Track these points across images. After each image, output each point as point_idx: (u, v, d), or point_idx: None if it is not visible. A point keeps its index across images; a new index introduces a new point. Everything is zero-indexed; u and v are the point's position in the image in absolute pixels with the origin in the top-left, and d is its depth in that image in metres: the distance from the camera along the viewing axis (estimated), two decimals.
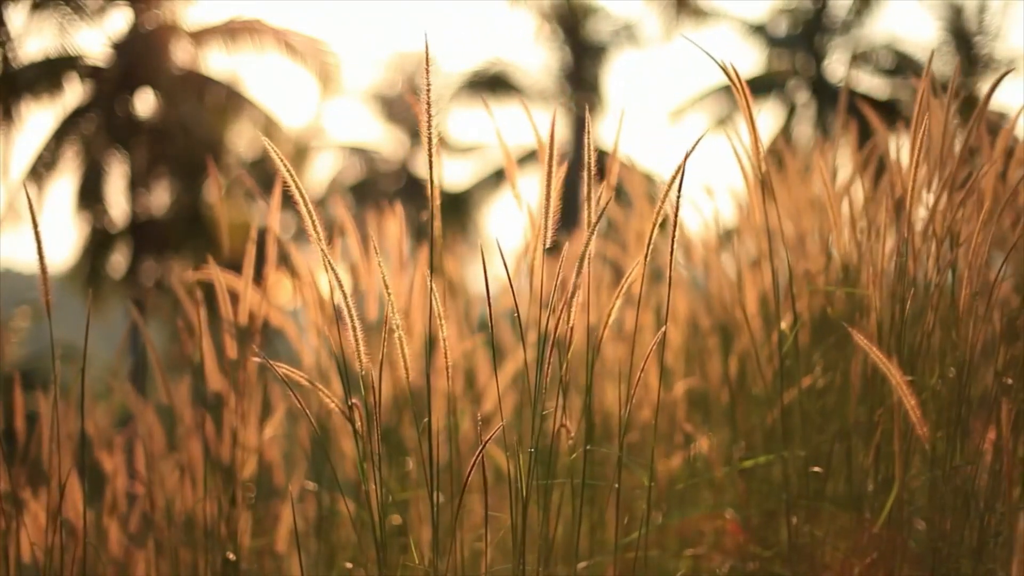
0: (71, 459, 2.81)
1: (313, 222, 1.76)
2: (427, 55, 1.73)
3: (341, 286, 1.71)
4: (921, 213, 2.31)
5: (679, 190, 1.79)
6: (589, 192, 1.81)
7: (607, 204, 1.79)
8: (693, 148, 1.78)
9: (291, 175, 1.75)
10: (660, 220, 1.82)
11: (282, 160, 1.75)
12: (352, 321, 1.71)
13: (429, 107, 1.74)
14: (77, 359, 2.17)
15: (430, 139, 1.75)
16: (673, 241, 1.80)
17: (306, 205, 1.75)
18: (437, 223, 2.23)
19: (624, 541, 2.50)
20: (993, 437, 2.22)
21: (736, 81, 2.00)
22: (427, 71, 1.73)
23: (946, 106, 2.26)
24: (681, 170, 1.78)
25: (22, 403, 2.73)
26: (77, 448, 2.85)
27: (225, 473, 2.69)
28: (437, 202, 2.14)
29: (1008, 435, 2.12)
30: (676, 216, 1.79)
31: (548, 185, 1.79)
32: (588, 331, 1.95)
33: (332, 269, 1.73)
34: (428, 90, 1.74)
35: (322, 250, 1.75)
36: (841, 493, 2.44)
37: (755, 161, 2.10)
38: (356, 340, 1.71)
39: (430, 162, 1.78)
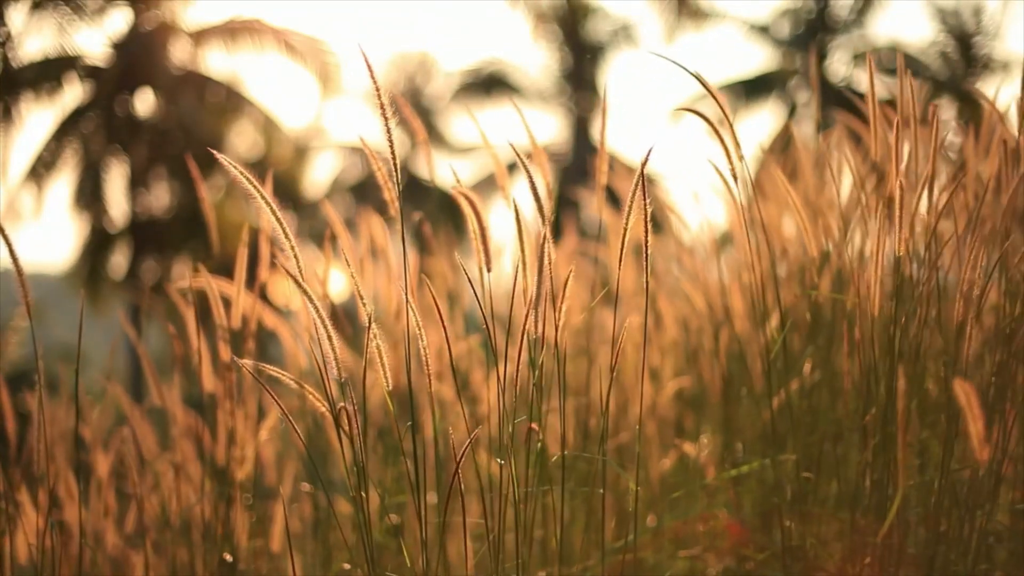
0: (65, 460, 2.82)
1: (284, 231, 1.75)
2: (374, 80, 1.73)
3: (311, 300, 1.70)
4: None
5: (644, 192, 1.79)
6: (542, 214, 1.81)
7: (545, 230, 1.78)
8: (648, 156, 1.78)
9: (255, 186, 1.74)
10: (631, 219, 1.82)
11: (240, 171, 1.73)
12: (328, 332, 1.71)
13: (388, 119, 1.74)
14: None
15: (392, 147, 1.75)
16: (647, 238, 1.80)
17: (275, 214, 1.74)
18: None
19: (615, 546, 2.51)
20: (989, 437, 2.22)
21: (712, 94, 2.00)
22: (378, 94, 1.73)
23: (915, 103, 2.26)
24: (645, 165, 1.79)
25: (9, 404, 2.73)
26: (71, 449, 2.85)
27: (220, 474, 2.70)
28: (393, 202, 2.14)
29: (1003, 436, 2.13)
30: (641, 204, 1.79)
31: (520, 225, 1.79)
32: (558, 331, 1.95)
33: (302, 288, 1.71)
34: (385, 114, 1.73)
35: (296, 260, 1.75)
36: (834, 494, 2.44)
37: (735, 171, 2.10)
38: (333, 351, 1.71)
39: (395, 173, 1.78)
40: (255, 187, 1.72)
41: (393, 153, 1.78)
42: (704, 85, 2.01)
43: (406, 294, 1.74)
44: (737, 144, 2.04)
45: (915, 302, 2.23)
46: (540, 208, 1.80)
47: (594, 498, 2.61)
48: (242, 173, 1.72)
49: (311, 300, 1.69)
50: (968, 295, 2.00)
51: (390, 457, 2.85)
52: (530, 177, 1.80)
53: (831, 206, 2.68)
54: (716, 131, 2.04)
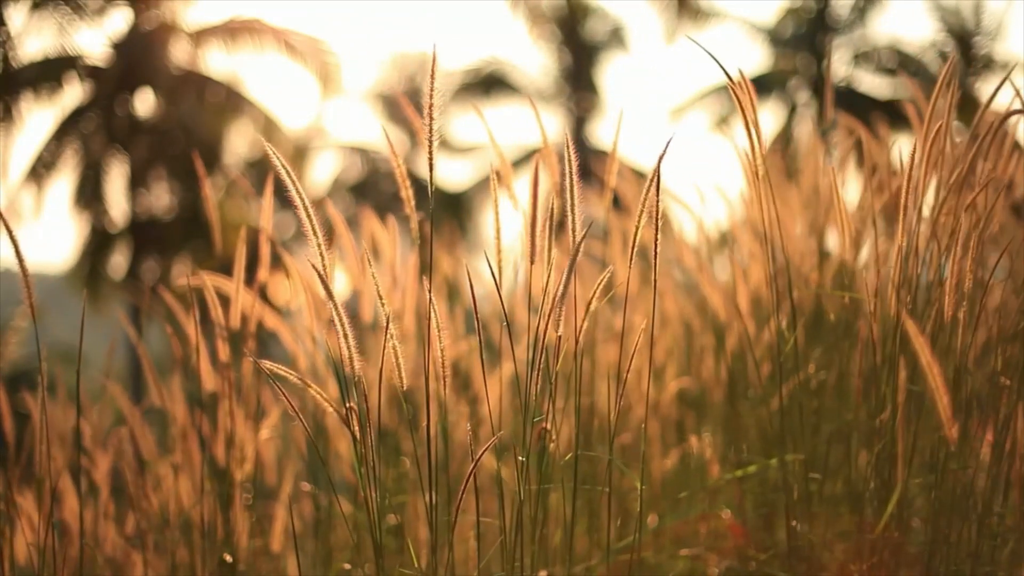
0: (65, 460, 2.81)
1: (312, 225, 1.74)
2: (434, 63, 1.71)
3: (332, 297, 1.69)
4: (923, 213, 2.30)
5: (658, 189, 1.78)
6: (573, 208, 1.79)
7: (586, 230, 1.77)
8: (665, 151, 1.77)
9: (291, 177, 1.74)
10: (643, 220, 1.81)
11: (282, 163, 1.73)
12: (344, 331, 1.70)
13: (432, 110, 1.73)
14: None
15: (431, 142, 1.73)
16: (657, 237, 1.79)
17: (306, 209, 1.74)
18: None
19: (619, 546, 2.50)
20: (991, 438, 2.22)
21: (739, 86, 1.98)
22: (432, 78, 1.71)
23: (948, 105, 2.25)
24: (659, 168, 1.78)
25: (8, 404, 2.72)
26: (71, 449, 2.85)
27: (220, 474, 2.69)
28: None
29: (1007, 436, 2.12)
30: (657, 213, 1.79)
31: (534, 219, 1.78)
32: (577, 333, 1.94)
33: (325, 282, 1.71)
34: (432, 95, 1.72)
35: (321, 256, 1.74)
36: (838, 494, 2.43)
37: (754, 162, 2.09)
38: (349, 349, 1.70)
39: (431, 165, 1.77)
40: (295, 186, 1.72)
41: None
42: (729, 78, 1.98)
43: (430, 297, 1.72)
44: (758, 138, 2.03)
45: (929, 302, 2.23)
46: (573, 208, 1.78)
47: (596, 498, 2.61)
48: (285, 168, 1.71)
49: (332, 297, 1.68)
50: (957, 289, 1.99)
51: (390, 458, 2.85)
52: (565, 171, 1.78)
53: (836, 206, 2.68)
54: (748, 124, 2.02)
